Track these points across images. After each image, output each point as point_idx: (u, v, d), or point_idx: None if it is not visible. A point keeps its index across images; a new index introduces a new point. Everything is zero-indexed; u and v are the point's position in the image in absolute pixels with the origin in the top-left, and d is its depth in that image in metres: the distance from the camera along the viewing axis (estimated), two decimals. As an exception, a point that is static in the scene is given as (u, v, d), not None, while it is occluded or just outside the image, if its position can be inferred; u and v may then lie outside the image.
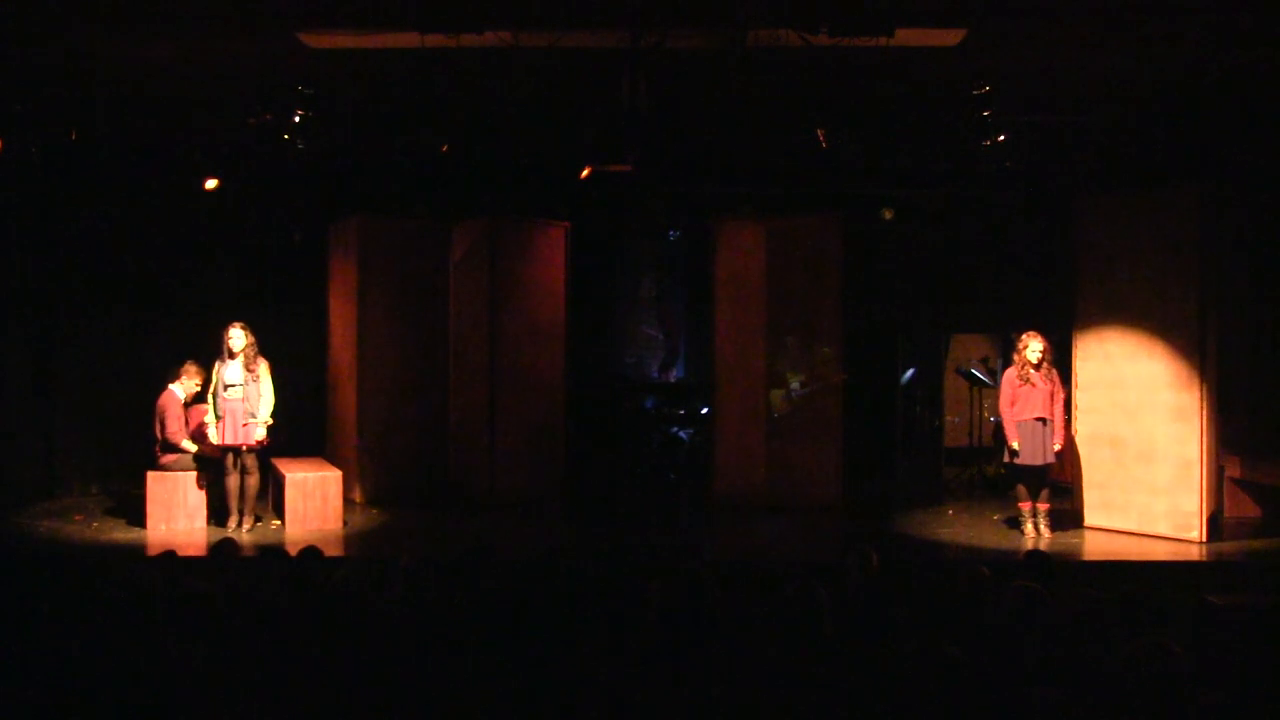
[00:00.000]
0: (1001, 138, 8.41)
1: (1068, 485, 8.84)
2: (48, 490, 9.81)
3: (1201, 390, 8.01)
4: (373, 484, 9.80)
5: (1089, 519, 8.57)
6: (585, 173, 9.47)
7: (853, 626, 4.47)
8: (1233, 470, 8.69)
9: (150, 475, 8.42)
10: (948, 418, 11.39)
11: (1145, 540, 8.11)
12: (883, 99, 8.47)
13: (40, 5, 6.53)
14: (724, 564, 7.13)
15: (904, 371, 11.22)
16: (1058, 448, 8.20)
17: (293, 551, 5.56)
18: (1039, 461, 8.19)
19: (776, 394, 9.70)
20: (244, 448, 8.24)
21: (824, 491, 9.50)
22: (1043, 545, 8.03)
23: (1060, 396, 8.26)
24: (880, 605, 4.72)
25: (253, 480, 8.34)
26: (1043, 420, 8.15)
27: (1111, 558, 7.77)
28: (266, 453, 8.58)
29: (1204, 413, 8.01)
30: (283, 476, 8.66)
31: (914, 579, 5.57)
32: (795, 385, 9.79)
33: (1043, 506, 8.29)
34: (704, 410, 11.00)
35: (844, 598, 4.97)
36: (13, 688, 3.75)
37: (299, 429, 9.96)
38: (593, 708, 3.72)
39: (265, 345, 8.45)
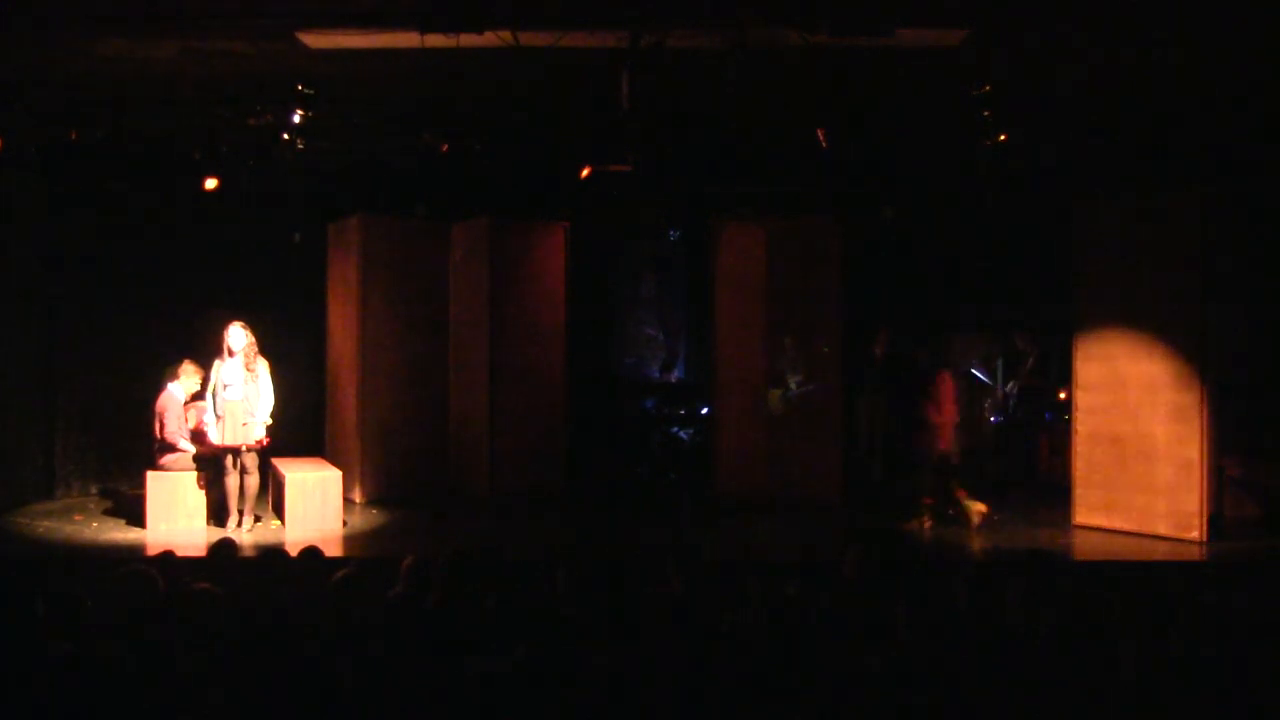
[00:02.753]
0: (1002, 138, 8.41)
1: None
2: (48, 490, 9.81)
3: (1201, 390, 8.00)
4: (373, 484, 9.80)
5: (1088, 519, 8.57)
6: (585, 173, 9.47)
7: (852, 626, 4.47)
8: (1233, 470, 8.68)
9: (150, 475, 8.42)
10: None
11: (1145, 540, 8.12)
12: (883, 99, 8.46)
13: (41, 5, 6.52)
14: (724, 563, 7.13)
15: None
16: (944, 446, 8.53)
17: (293, 552, 5.56)
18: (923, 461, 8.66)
19: (774, 394, 9.69)
20: (244, 448, 8.22)
21: (824, 491, 9.50)
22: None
23: (945, 400, 8.54)
24: (880, 605, 4.72)
25: (252, 480, 8.32)
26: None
27: (1111, 558, 7.77)
28: (266, 453, 8.57)
29: (1204, 413, 8.00)
30: (283, 476, 8.65)
31: (913, 578, 5.57)
32: (793, 385, 9.79)
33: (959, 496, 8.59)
34: (704, 410, 11.00)
35: (843, 597, 4.97)
36: (11, 689, 3.75)
37: (299, 429, 9.96)
38: (593, 707, 3.72)
39: (265, 345, 8.44)
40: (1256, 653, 4.15)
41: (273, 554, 6.22)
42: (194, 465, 8.42)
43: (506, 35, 6.43)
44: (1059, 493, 8.85)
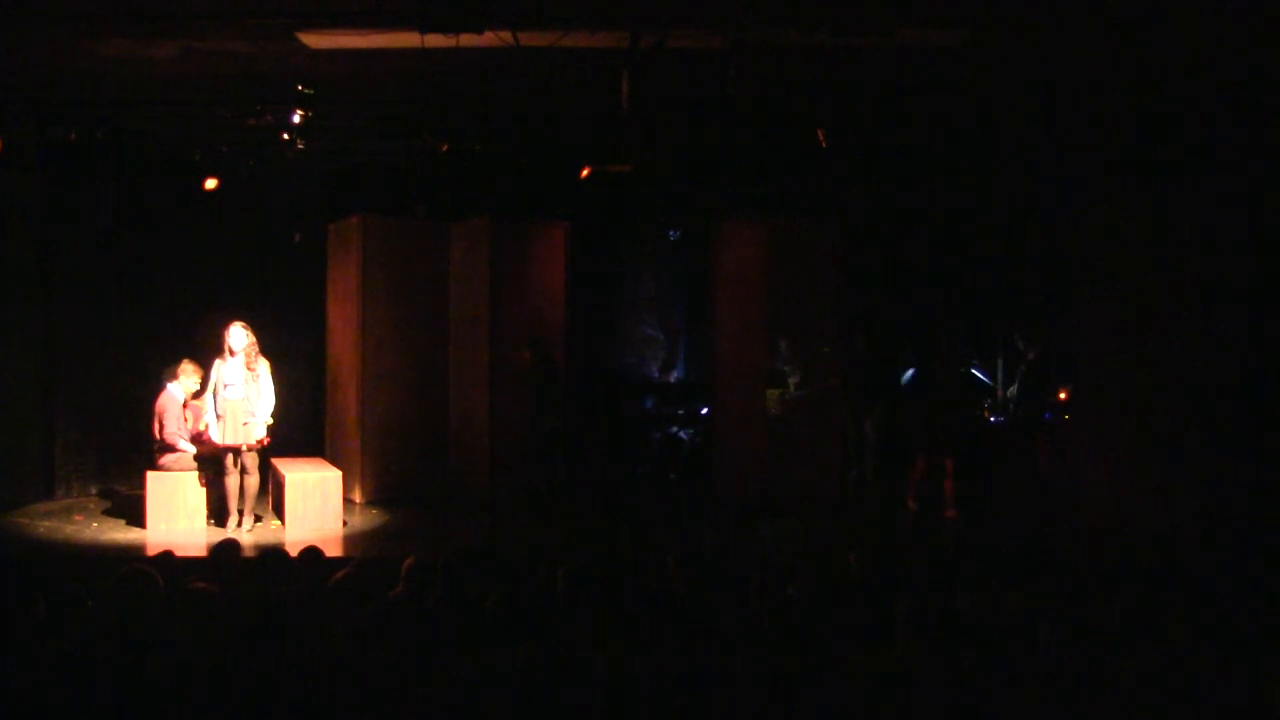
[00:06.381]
0: (1001, 138, 8.41)
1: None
2: (48, 490, 9.80)
3: (1201, 391, 8.00)
4: (373, 484, 9.80)
5: (1088, 519, 8.57)
6: (585, 173, 9.47)
7: (853, 625, 4.48)
8: (1229, 470, 8.66)
9: (150, 475, 8.41)
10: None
11: (1145, 540, 8.11)
12: (883, 99, 8.46)
13: (42, 5, 6.52)
14: (724, 563, 7.13)
15: (904, 371, 11.20)
16: None
17: (293, 552, 5.56)
18: None
19: (772, 394, 9.69)
20: (244, 447, 8.22)
21: (824, 491, 9.50)
22: None
23: None
24: (880, 603, 4.72)
25: (253, 480, 8.31)
26: None
27: (1111, 558, 7.76)
28: (266, 453, 8.57)
29: (1203, 413, 8.00)
30: (283, 476, 8.65)
31: (914, 577, 5.58)
32: (791, 387, 9.79)
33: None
34: (704, 410, 11.00)
35: (844, 596, 4.97)
36: (11, 688, 3.75)
37: (299, 429, 9.96)
38: (593, 707, 3.73)
39: (265, 345, 8.44)
40: (1256, 652, 4.15)
41: (273, 554, 6.22)
42: (194, 465, 8.42)
43: (506, 35, 6.43)
44: (1059, 493, 8.83)
